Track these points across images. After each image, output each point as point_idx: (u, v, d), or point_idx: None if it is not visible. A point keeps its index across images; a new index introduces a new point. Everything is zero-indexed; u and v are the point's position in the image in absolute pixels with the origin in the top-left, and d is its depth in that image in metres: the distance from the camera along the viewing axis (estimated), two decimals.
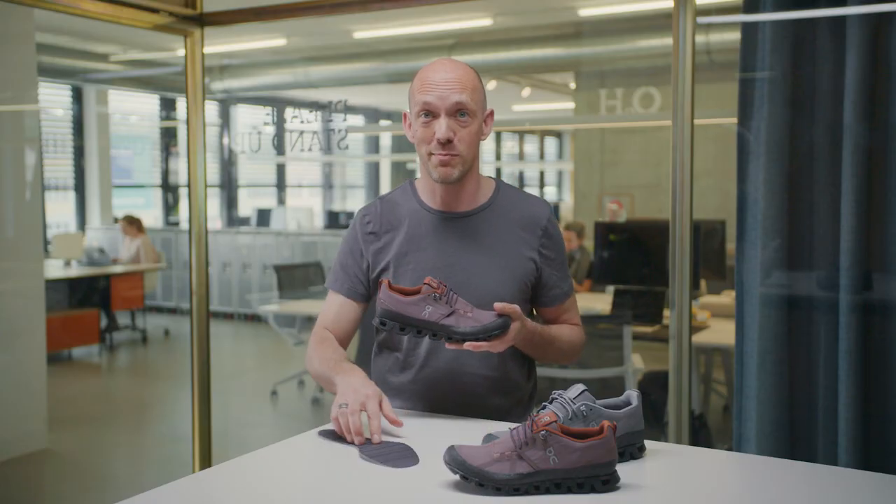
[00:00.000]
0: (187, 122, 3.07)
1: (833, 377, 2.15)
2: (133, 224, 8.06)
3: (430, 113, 1.76)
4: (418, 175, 1.92)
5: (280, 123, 3.50)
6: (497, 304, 1.65)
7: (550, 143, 17.55)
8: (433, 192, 1.85)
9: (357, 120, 10.38)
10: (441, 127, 1.75)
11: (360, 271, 1.87)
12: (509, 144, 16.45)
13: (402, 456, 1.49)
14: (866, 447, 2.11)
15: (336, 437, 1.61)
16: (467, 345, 1.64)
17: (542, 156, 17.31)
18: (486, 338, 1.64)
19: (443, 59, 1.81)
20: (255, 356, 7.63)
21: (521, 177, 16.69)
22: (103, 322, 7.37)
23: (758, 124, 2.23)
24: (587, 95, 7.82)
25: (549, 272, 1.89)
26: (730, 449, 2.48)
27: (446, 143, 1.75)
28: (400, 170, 12.50)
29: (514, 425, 1.47)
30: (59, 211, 9.24)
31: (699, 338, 4.01)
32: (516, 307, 1.67)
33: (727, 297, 4.55)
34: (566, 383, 3.96)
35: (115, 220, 9.20)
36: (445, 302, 1.64)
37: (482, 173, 1.91)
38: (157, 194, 10.40)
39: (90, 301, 7.28)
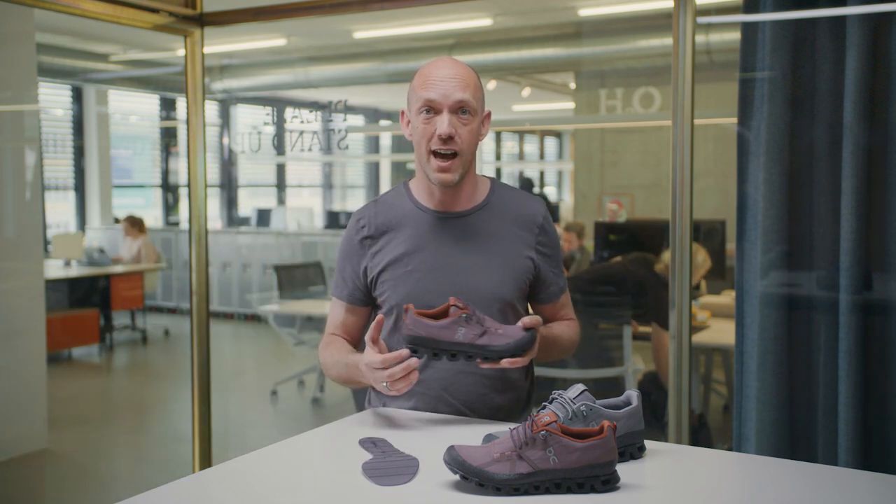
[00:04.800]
0: (187, 122, 3.07)
1: (833, 377, 2.15)
2: (135, 225, 8.06)
3: (431, 109, 1.76)
4: (416, 175, 1.92)
5: (280, 123, 3.50)
6: (525, 320, 1.66)
7: (550, 143, 17.54)
8: (430, 193, 1.85)
9: (357, 120, 10.37)
10: (443, 123, 1.75)
11: (356, 278, 1.88)
12: (509, 144, 16.44)
13: (399, 472, 1.45)
14: (866, 447, 2.11)
15: (373, 443, 1.60)
16: (505, 362, 1.64)
17: (542, 156, 17.30)
18: (520, 352, 1.64)
19: (445, 58, 1.81)
20: (255, 356, 7.63)
21: (521, 177, 16.68)
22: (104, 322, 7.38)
23: (758, 124, 2.23)
24: (587, 95, 7.81)
25: (546, 269, 1.89)
26: (730, 449, 2.48)
27: (447, 140, 1.75)
28: (400, 170, 12.49)
29: (514, 425, 1.47)
30: (59, 211, 9.24)
31: (699, 338, 4.01)
32: (539, 319, 1.69)
33: (727, 297, 4.55)
34: (566, 383, 3.96)
35: (116, 220, 9.19)
36: (476, 321, 1.64)
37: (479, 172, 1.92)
38: (157, 194, 10.40)
39: (90, 301, 7.27)
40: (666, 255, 4.12)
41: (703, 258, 4.18)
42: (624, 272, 4.09)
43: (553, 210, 9.26)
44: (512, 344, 1.64)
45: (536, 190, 11.80)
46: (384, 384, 1.64)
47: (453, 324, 1.63)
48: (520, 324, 1.67)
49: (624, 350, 4.03)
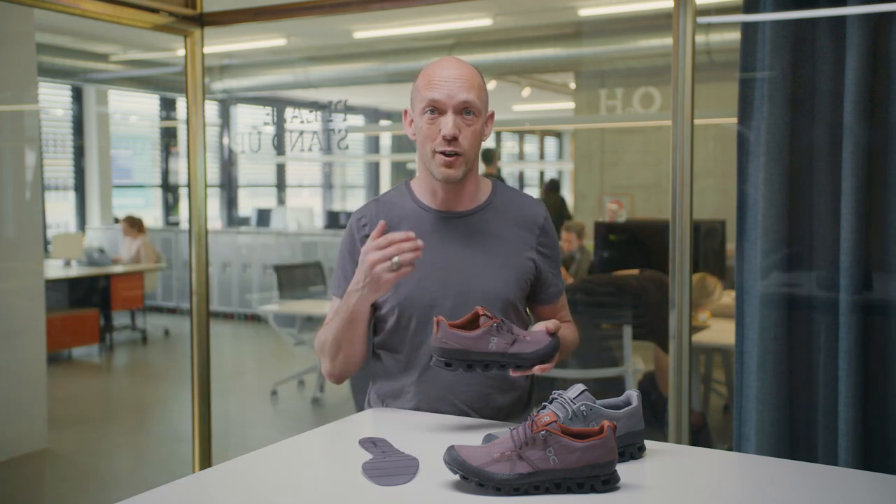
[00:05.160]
0: (187, 122, 3.07)
1: (833, 377, 2.15)
2: (134, 225, 8.06)
3: (436, 109, 1.76)
4: (418, 175, 1.92)
5: (280, 123, 3.50)
6: (549, 325, 1.66)
7: (550, 143, 17.54)
8: (433, 192, 1.85)
9: (357, 120, 10.37)
10: (448, 123, 1.75)
11: None
12: (509, 144, 16.44)
13: (399, 472, 1.45)
14: (866, 447, 2.11)
15: (373, 443, 1.59)
16: (537, 368, 1.64)
17: (542, 156, 17.30)
18: (549, 358, 1.64)
19: (449, 58, 1.81)
20: (255, 356, 7.63)
21: (521, 177, 16.68)
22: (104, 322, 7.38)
23: (758, 124, 2.23)
24: (587, 95, 7.81)
25: (546, 270, 1.90)
26: (730, 449, 2.48)
27: (451, 140, 1.75)
28: (400, 170, 12.49)
29: (514, 425, 1.47)
30: (59, 211, 9.24)
31: (699, 338, 4.01)
32: (559, 322, 1.69)
33: (727, 297, 4.55)
34: (566, 383, 3.96)
35: (116, 220, 9.19)
36: (507, 330, 1.63)
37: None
38: (157, 194, 10.40)
39: (90, 301, 7.27)
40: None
41: (718, 293, 4.14)
42: (637, 288, 4.07)
43: (563, 207, 9.16)
44: (542, 350, 1.63)
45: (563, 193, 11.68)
46: (395, 260, 1.61)
47: (485, 334, 1.61)
48: (542, 328, 1.67)
49: (624, 350, 4.03)
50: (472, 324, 1.64)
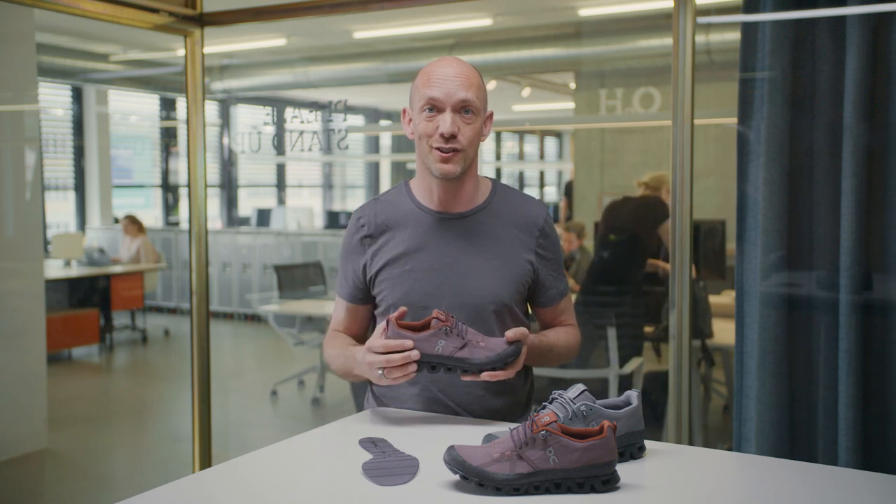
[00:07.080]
0: (187, 122, 3.07)
1: (833, 377, 2.15)
2: (135, 224, 8.07)
3: (434, 107, 1.76)
4: (417, 174, 1.92)
5: (280, 123, 3.50)
6: (508, 333, 1.66)
7: (550, 143, 17.54)
8: (430, 192, 1.85)
9: (357, 120, 10.37)
10: (445, 121, 1.74)
11: (356, 277, 1.89)
12: (509, 144, 16.44)
13: (399, 472, 1.46)
14: (866, 447, 2.11)
15: (373, 443, 1.60)
16: (485, 375, 1.64)
17: (542, 156, 17.30)
18: (501, 366, 1.64)
19: (448, 57, 1.81)
20: (255, 356, 7.63)
21: (520, 177, 16.69)
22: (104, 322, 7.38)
23: (758, 124, 2.24)
24: (587, 95, 7.80)
25: (545, 273, 1.89)
26: (730, 449, 2.48)
27: (450, 138, 1.75)
28: (400, 170, 12.49)
29: (514, 425, 1.47)
30: (59, 211, 9.24)
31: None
32: (525, 330, 1.68)
33: (727, 297, 4.55)
34: (566, 383, 3.96)
35: (116, 221, 9.19)
36: (457, 334, 1.64)
37: (480, 173, 1.91)
38: (157, 194, 10.40)
39: (90, 301, 7.27)
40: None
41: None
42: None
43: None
44: (493, 357, 1.64)
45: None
46: (379, 371, 1.64)
47: (433, 336, 1.63)
48: (505, 336, 1.67)
49: (609, 352, 4.05)
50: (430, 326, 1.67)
